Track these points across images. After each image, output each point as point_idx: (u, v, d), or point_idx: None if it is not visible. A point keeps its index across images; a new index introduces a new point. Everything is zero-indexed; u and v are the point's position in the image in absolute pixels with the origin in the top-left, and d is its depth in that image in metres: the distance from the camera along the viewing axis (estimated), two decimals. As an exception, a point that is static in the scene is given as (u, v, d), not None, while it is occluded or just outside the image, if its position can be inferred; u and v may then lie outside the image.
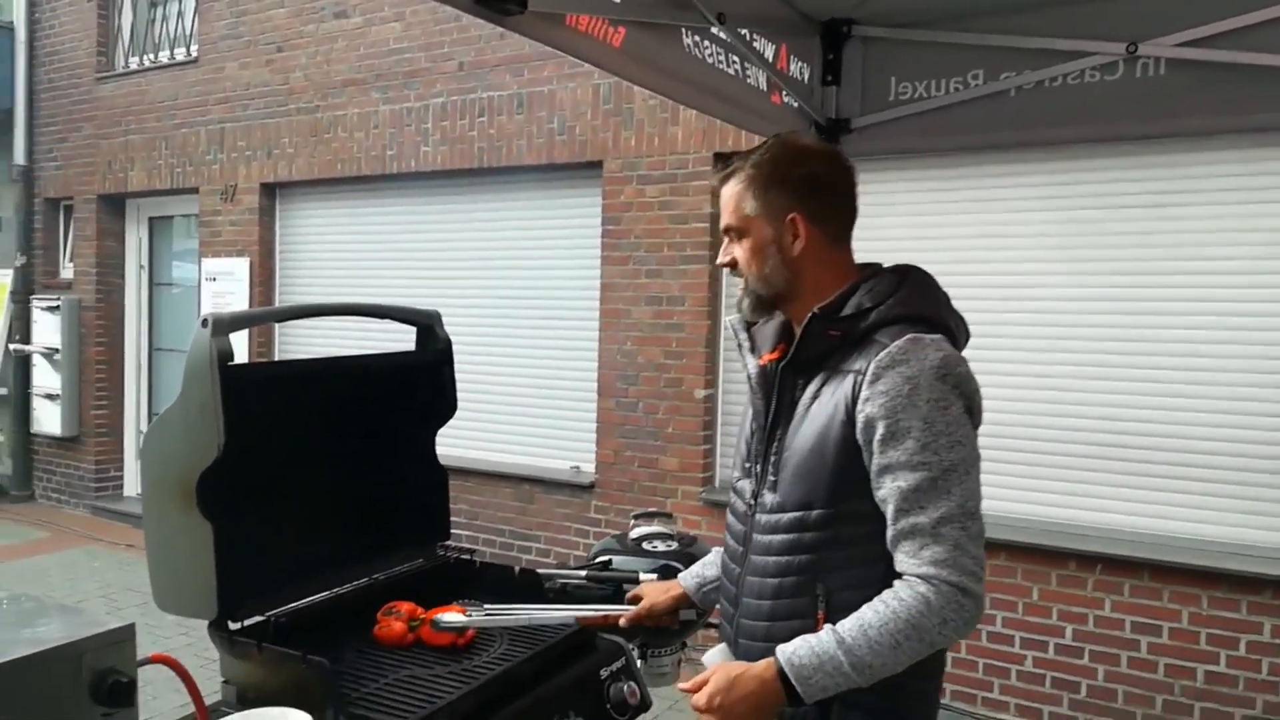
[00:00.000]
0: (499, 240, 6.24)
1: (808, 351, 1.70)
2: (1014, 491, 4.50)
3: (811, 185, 1.72)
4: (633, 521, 3.24)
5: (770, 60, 2.86)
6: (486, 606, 2.07)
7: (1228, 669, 3.98)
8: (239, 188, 7.35)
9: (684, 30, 2.48)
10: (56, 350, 8.32)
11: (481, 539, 6.05)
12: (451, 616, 1.98)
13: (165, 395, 8.40)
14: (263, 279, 7.27)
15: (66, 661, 1.24)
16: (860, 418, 1.60)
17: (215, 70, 7.51)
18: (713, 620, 2.09)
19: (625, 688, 2.03)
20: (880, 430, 1.57)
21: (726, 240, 1.80)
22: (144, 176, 8.00)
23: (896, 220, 4.70)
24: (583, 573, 2.52)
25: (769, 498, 1.74)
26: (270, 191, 7.30)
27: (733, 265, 1.78)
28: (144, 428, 8.48)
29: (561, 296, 5.97)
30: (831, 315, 1.68)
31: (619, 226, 5.57)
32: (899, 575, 1.58)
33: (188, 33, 7.89)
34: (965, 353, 1.71)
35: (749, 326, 1.87)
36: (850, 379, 1.63)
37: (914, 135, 3.24)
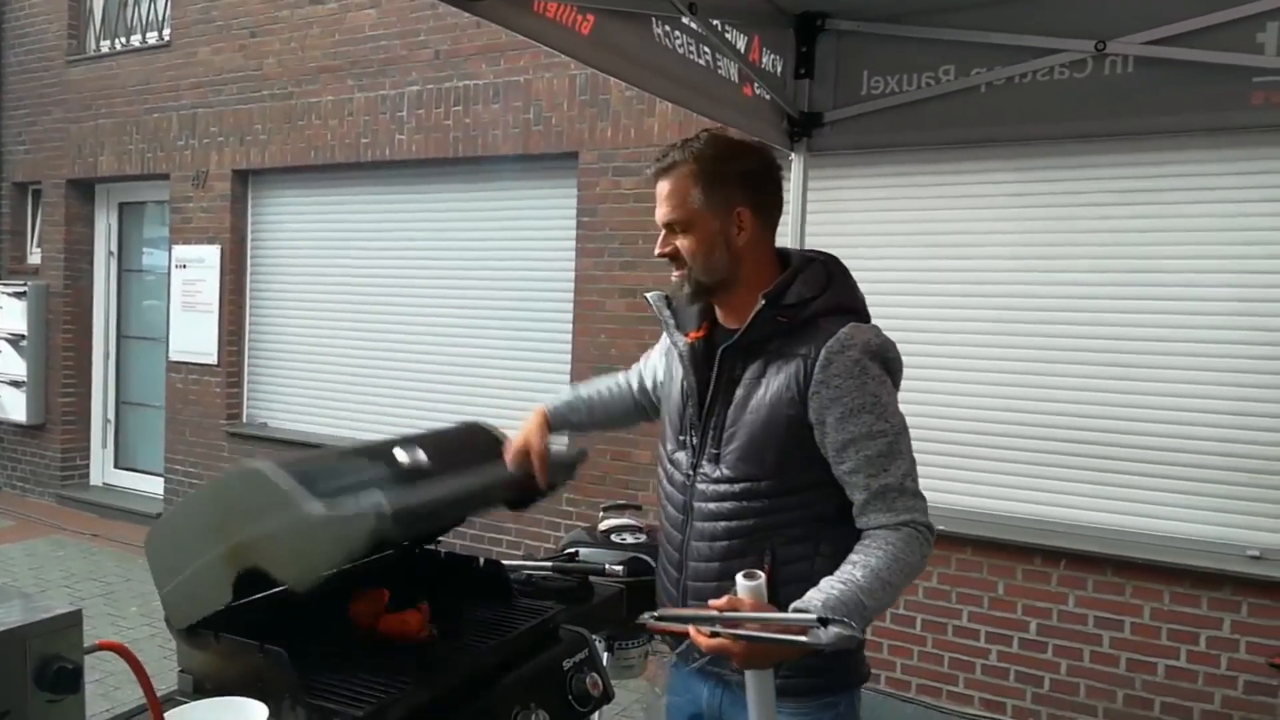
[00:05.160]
0: (473, 230, 6.20)
1: (754, 334, 1.80)
2: (981, 487, 4.53)
3: (753, 179, 1.83)
4: (602, 514, 3.24)
5: (742, 52, 2.85)
6: None
7: (1188, 664, 4.03)
8: (210, 174, 7.26)
9: (654, 19, 2.46)
10: (23, 336, 8.19)
11: (452, 530, 6.02)
12: None
13: (133, 383, 8.30)
14: (234, 267, 7.20)
15: (10, 646, 1.22)
16: (814, 400, 1.74)
17: (187, 55, 7.41)
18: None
19: (588, 679, 2.03)
20: (838, 411, 1.72)
21: (666, 232, 1.86)
22: (114, 161, 7.89)
23: (867, 215, 4.68)
24: (549, 564, 2.52)
25: (711, 469, 1.86)
26: (243, 178, 7.22)
27: (674, 255, 1.85)
28: (110, 416, 8.38)
29: (536, 288, 5.94)
30: (776, 302, 1.79)
31: (594, 218, 5.56)
32: (859, 531, 1.74)
33: (160, 16, 7.78)
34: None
35: (669, 303, 1.97)
36: (797, 362, 1.76)
37: (885, 130, 3.26)
